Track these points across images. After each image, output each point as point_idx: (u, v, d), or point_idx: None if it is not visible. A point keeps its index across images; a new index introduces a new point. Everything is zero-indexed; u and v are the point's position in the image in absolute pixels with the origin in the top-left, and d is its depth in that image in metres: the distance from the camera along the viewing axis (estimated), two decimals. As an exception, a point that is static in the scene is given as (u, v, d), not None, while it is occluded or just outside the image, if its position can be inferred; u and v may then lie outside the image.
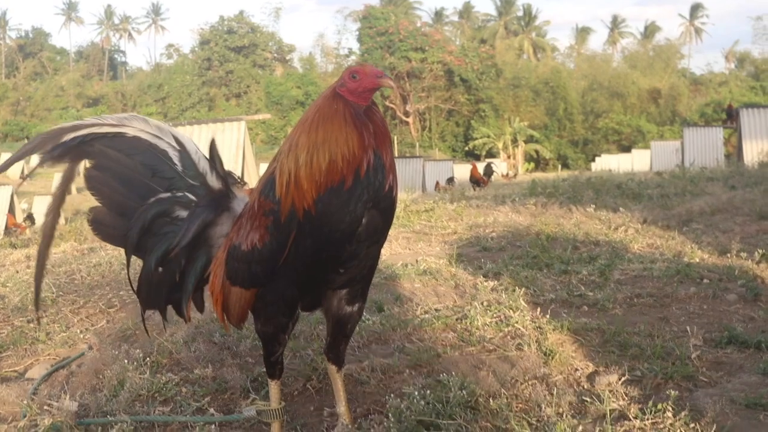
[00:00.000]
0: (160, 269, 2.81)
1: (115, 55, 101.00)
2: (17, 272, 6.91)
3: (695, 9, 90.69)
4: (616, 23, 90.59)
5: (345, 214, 2.42)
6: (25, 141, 61.89)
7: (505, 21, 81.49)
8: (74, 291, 5.91)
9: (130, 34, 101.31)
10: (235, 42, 74.42)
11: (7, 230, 21.47)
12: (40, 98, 74.13)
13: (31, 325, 4.93)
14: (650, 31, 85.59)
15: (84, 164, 2.82)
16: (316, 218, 2.42)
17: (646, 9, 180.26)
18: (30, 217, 25.36)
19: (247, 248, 2.56)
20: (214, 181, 2.78)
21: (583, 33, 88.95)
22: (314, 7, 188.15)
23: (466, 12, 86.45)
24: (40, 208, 26.74)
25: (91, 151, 2.77)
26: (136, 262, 2.86)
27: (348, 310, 2.73)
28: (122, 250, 2.85)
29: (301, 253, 2.48)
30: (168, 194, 2.79)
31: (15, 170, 49.53)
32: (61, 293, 5.78)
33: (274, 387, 2.81)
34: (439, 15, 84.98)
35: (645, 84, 63.78)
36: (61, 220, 18.66)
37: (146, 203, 2.78)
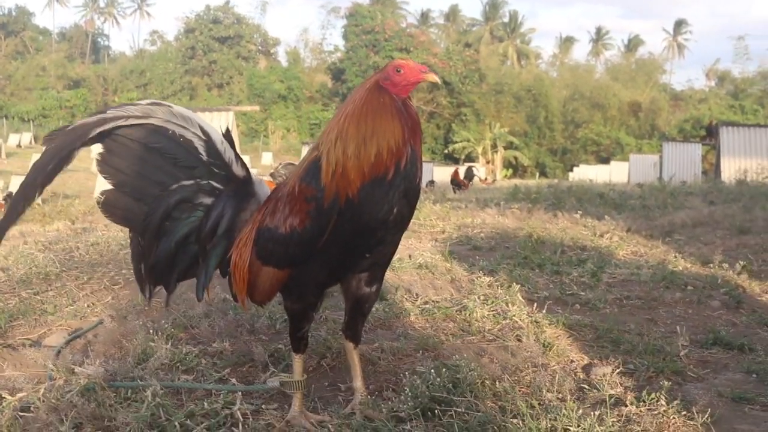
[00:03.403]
0: (179, 251, 2.96)
1: (99, 39, 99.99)
2: (15, 247, 7.02)
3: (679, 25, 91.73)
4: (600, 35, 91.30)
5: (384, 203, 2.59)
6: (4, 119, 61.31)
7: (491, 26, 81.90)
8: (75, 267, 6.03)
9: (114, 18, 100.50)
10: (220, 32, 73.96)
11: (-13, 208, 21.35)
12: (21, 77, 73.19)
13: (38, 297, 5.07)
14: (633, 44, 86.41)
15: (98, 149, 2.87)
16: (357, 206, 2.58)
17: (631, 22, 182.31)
18: (10, 196, 25.13)
19: (286, 231, 2.70)
20: (238, 170, 2.95)
21: (567, 42, 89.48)
22: (301, 2, 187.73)
23: (452, 15, 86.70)
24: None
25: (113, 139, 2.84)
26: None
27: (366, 291, 2.91)
28: (120, 230, 2.94)
29: (338, 238, 2.63)
30: (191, 182, 2.92)
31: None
32: (63, 269, 5.91)
33: (298, 360, 2.97)
34: (425, 16, 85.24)
35: (626, 97, 64.39)
36: (37, 201, 18.55)
37: (168, 189, 2.91)
